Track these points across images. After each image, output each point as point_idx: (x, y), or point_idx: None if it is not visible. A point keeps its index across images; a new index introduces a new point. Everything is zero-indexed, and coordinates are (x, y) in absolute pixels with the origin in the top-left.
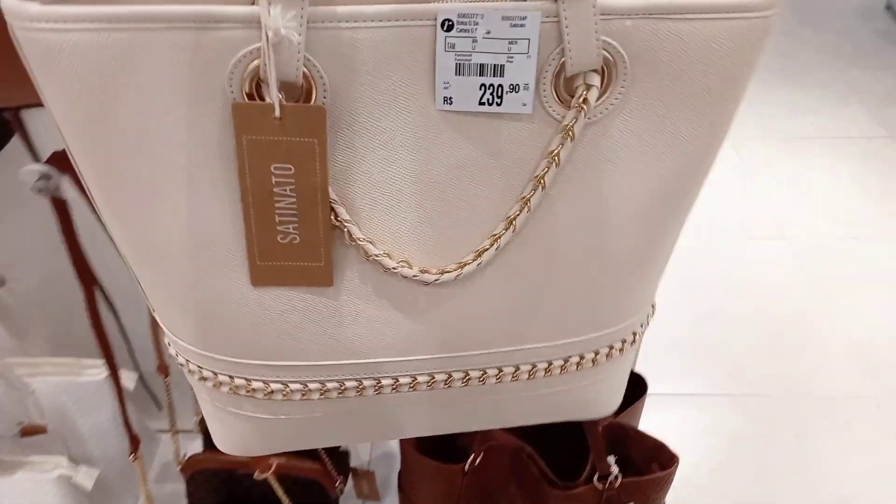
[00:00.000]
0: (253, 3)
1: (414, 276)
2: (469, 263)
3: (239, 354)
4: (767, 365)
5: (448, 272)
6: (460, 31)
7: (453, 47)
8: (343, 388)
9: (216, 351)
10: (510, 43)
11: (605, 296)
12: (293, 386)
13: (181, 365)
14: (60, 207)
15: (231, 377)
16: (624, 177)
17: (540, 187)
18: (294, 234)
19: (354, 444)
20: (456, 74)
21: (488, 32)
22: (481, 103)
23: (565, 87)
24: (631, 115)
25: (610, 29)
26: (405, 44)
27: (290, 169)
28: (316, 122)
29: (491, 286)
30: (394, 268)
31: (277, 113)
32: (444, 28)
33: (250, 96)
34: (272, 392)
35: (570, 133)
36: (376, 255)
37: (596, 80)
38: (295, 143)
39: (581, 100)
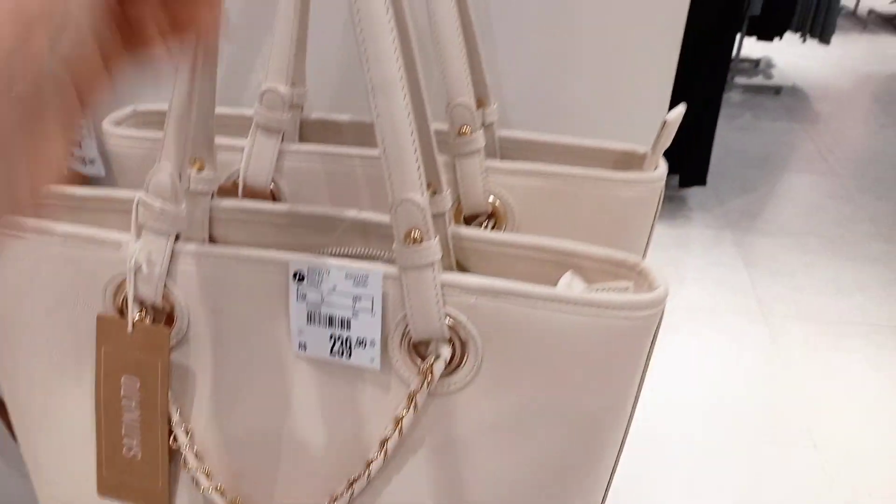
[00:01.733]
0: None
1: None
2: None
3: None
4: None
5: None
6: (310, 283)
7: (304, 297)
8: None
9: None
10: (355, 299)
11: None
12: None
13: None
14: None
15: None
16: (480, 459)
17: (382, 454)
18: (136, 449)
19: None
20: (308, 323)
21: (334, 288)
22: (332, 353)
23: (418, 351)
24: (485, 393)
25: (458, 302)
26: (263, 286)
27: (137, 384)
28: (160, 343)
29: None
30: None
31: (130, 329)
32: (296, 279)
33: (121, 311)
34: None
35: (414, 402)
36: (206, 488)
37: (445, 350)
38: (143, 359)
39: (427, 368)
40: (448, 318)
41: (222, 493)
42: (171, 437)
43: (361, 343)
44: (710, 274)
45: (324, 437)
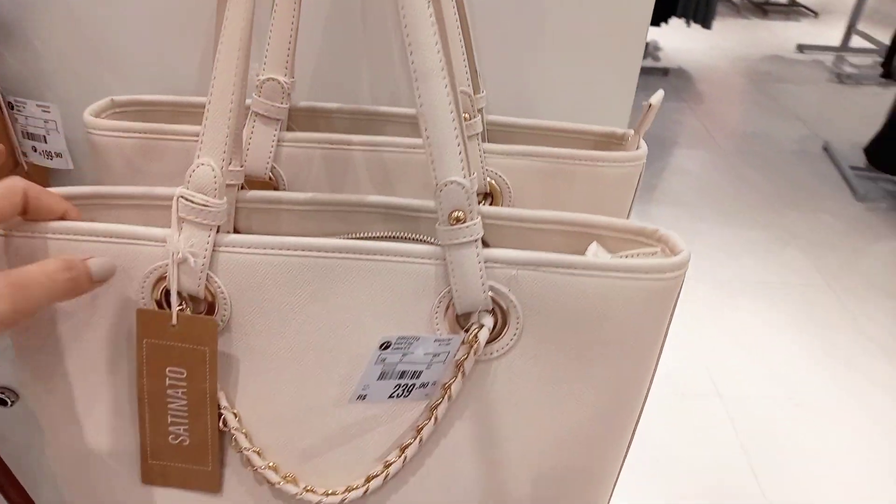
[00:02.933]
0: None
1: (297, 495)
2: (356, 489)
3: None
4: None
5: (334, 494)
6: (395, 349)
7: (384, 361)
8: None
9: None
10: (434, 356)
11: None
12: None
13: None
14: None
15: None
16: (524, 420)
17: (433, 419)
18: (184, 435)
19: None
20: (377, 380)
21: (418, 349)
22: (391, 397)
23: (460, 322)
24: (526, 359)
25: (499, 275)
26: (301, 272)
27: (183, 373)
28: (208, 332)
29: None
30: (278, 483)
31: (174, 321)
32: (382, 347)
33: (159, 304)
34: None
35: (462, 369)
36: (261, 467)
37: (488, 320)
38: (189, 349)
39: (473, 337)
40: (490, 290)
41: (276, 470)
42: (221, 421)
43: (424, 385)
44: None
45: (369, 414)
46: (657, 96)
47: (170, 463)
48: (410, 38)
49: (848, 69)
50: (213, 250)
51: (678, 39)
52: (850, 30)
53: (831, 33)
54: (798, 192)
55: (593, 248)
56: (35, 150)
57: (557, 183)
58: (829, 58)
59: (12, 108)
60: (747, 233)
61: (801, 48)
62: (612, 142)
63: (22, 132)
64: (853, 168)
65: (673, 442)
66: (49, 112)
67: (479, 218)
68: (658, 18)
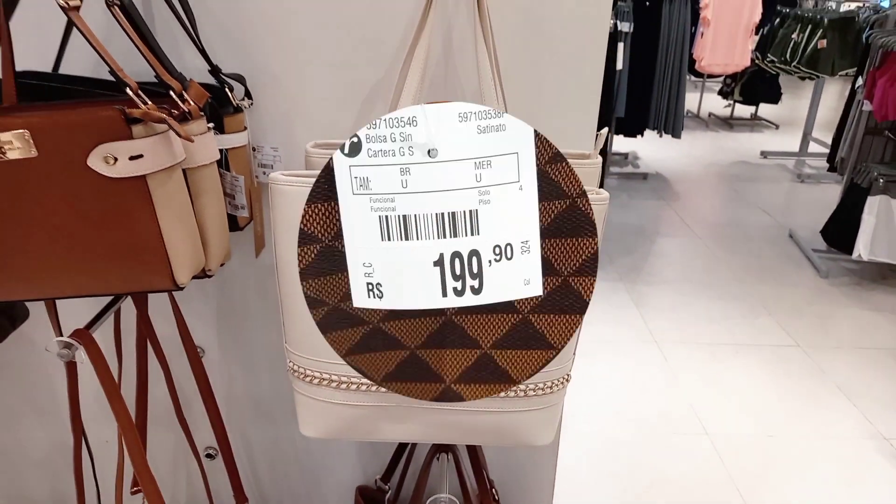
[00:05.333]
0: None
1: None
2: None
3: (324, 356)
4: None
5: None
6: None
7: None
8: None
9: (314, 355)
10: None
11: None
12: (353, 380)
13: (294, 371)
14: (71, 369)
15: (319, 372)
16: None
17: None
18: None
19: (380, 440)
20: None
21: None
22: None
23: None
24: None
25: None
26: None
27: None
28: None
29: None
30: None
31: None
32: None
33: None
34: (340, 382)
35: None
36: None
37: None
38: None
39: None
40: None
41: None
42: None
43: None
44: (611, 315)
45: None
46: (604, 130)
47: None
48: (484, 89)
49: (807, 170)
50: None
51: (653, 149)
52: (807, 137)
53: (791, 141)
54: (767, 270)
55: None
56: (265, 174)
57: None
58: (789, 162)
59: (254, 149)
60: (724, 302)
61: (765, 154)
62: (583, 156)
63: (258, 164)
64: (816, 250)
65: (668, 470)
66: (277, 151)
67: None
68: (634, 131)
